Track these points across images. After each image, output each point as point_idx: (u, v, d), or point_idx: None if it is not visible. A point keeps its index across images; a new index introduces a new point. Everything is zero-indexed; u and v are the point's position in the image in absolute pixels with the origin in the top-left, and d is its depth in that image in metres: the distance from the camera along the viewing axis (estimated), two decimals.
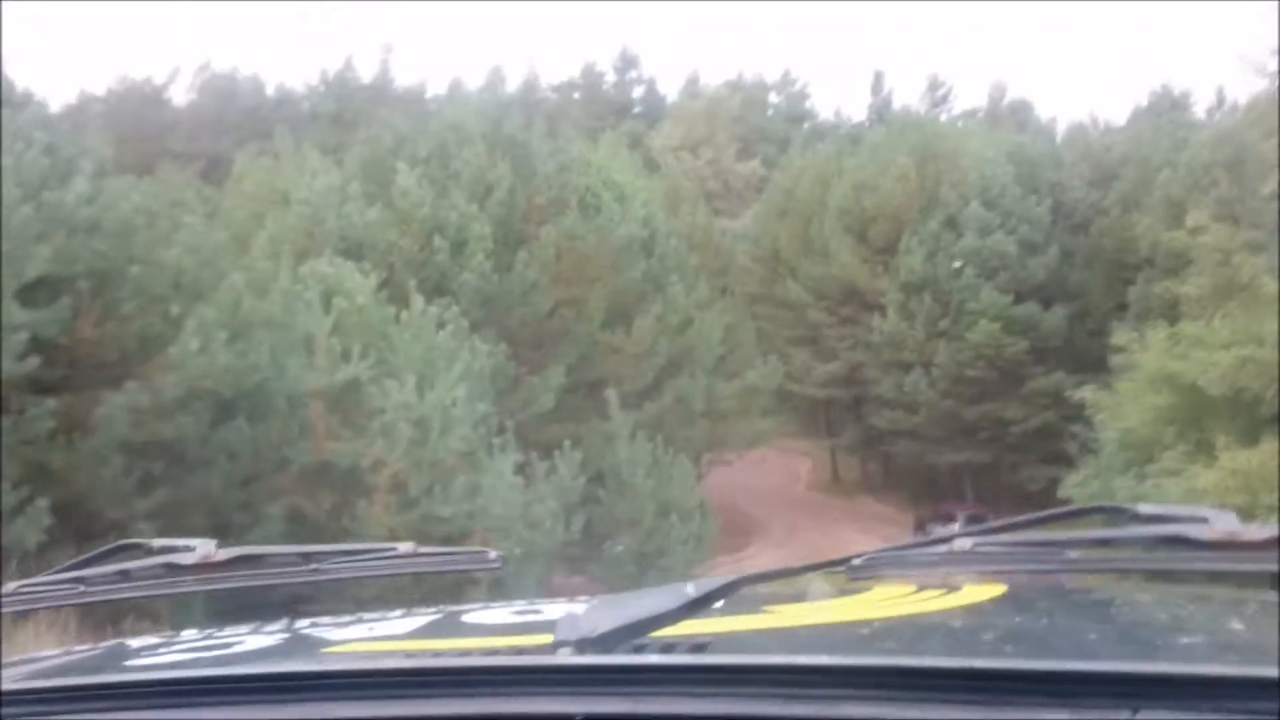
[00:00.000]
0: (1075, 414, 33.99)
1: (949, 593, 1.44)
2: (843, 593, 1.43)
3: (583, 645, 1.00)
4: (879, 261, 41.28)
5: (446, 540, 13.54)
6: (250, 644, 1.49)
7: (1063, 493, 26.75)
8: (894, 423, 40.77)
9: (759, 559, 38.89)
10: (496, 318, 22.79)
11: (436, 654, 1.31)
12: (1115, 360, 29.62)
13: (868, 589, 1.45)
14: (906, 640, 1.33)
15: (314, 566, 1.50)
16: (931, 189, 40.46)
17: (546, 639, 1.06)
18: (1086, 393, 22.79)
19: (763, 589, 1.45)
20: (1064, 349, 37.55)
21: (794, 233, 44.93)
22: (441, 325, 18.40)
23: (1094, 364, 34.90)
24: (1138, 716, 0.85)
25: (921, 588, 1.48)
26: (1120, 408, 20.95)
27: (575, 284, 24.80)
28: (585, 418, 24.87)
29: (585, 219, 25.30)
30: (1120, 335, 21.71)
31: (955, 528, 41.70)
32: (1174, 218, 29.04)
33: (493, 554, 1.61)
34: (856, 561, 1.26)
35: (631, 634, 1.04)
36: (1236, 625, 1.35)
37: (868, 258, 41.70)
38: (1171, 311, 26.89)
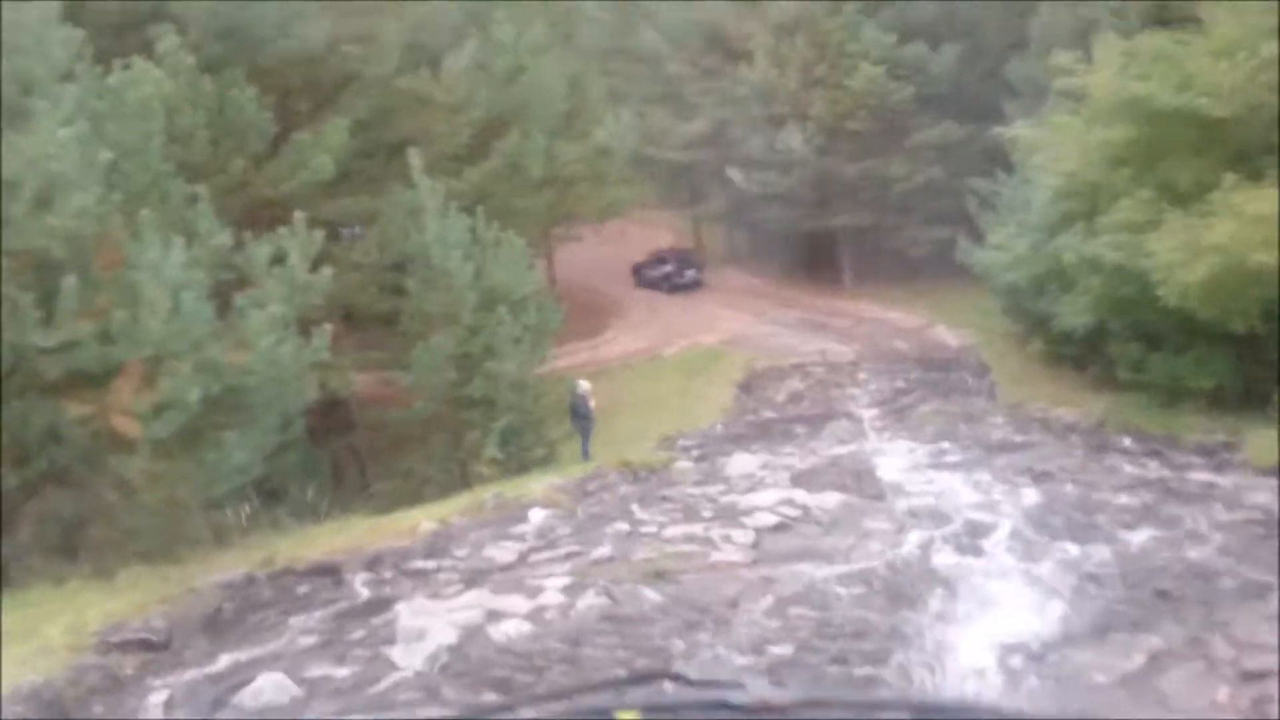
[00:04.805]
0: (968, 167, 30.00)
1: None
2: None
3: None
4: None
5: (78, 381, 8.38)
6: None
7: (980, 258, 22.69)
8: (765, 186, 36.27)
9: (616, 344, 34.83)
10: (245, 54, 16.90)
11: None
12: (1013, 104, 25.39)
13: None
14: None
15: None
16: None
17: None
18: (1022, 130, 18.25)
19: None
20: (954, 95, 33.18)
21: None
22: (156, 59, 12.60)
23: (987, 110, 30.76)
24: None
25: None
26: (1060, 148, 16.50)
27: (360, 12, 18.87)
28: (386, 189, 19.52)
29: None
30: (1060, 56, 17.02)
31: (667, 269, 38.95)
32: None
33: None
34: None
35: None
36: None
37: None
38: (1082, 41, 22.41)
